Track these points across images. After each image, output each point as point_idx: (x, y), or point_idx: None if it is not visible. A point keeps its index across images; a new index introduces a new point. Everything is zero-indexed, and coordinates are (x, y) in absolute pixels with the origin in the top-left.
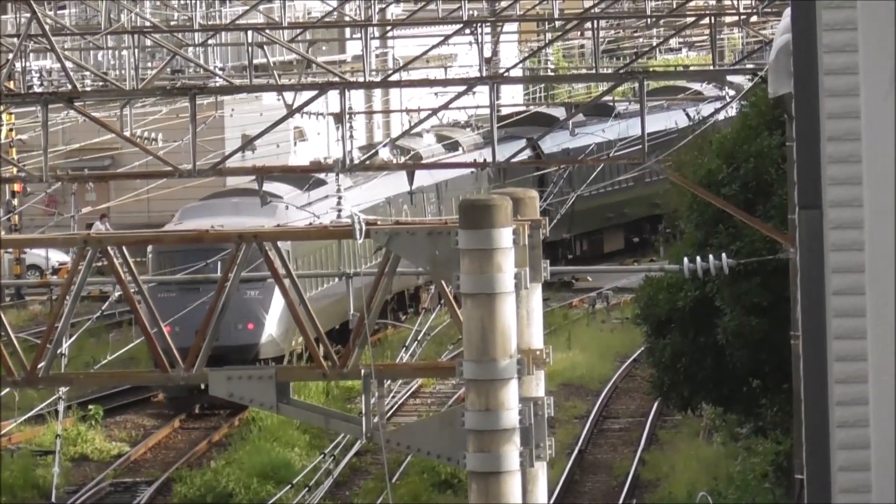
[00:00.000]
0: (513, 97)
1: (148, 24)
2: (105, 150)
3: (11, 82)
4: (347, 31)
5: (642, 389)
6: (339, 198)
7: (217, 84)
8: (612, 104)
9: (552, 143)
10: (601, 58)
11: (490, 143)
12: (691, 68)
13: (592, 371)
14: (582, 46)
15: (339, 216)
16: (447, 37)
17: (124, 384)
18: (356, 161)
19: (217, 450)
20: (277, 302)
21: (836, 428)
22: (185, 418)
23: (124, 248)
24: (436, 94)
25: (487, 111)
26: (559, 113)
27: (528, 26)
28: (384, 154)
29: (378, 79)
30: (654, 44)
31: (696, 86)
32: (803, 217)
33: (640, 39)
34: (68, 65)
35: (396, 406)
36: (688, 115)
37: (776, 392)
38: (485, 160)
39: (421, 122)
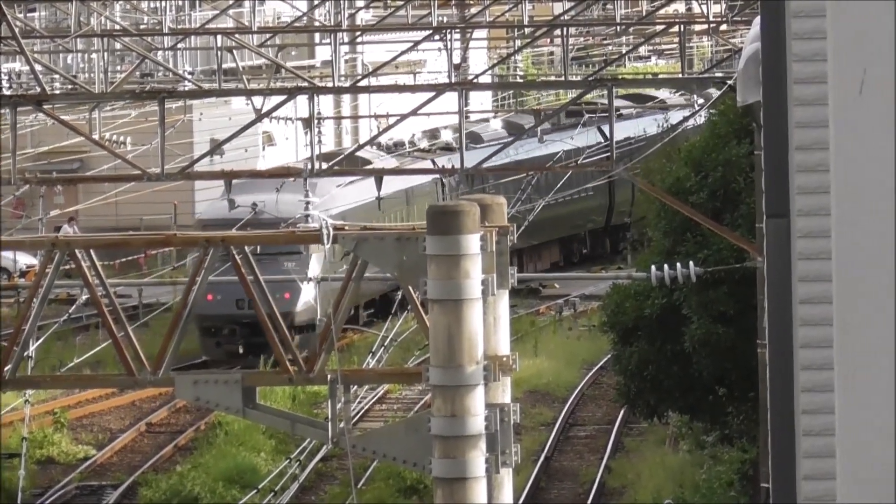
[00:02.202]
0: (481, 104)
1: (117, 27)
2: (74, 153)
3: None
4: (317, 36)
5: (609, 397)
6: (307, 203)
7: (186, 88)
8: (582, 111)
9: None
10: (570, 65)
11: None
12: (660, 76)
13: (559, 378)
14: (551, 53)
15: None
16: (416, 43)
17: (91, 387)
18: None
19: (183, 454)
20: (312, 272)
21: (802, 436)
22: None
23: (92, 251)
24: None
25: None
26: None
27: (498, 33)
28: (446, 135)
29: (347, 84)
30: (624, 51)
31: (664, 94)
32: (771, 226)
33: (610, 47)
34: (37, 67)
35: (363, 411)
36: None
37: (742, 400)
38: (452, 166)
39: (389, 127)
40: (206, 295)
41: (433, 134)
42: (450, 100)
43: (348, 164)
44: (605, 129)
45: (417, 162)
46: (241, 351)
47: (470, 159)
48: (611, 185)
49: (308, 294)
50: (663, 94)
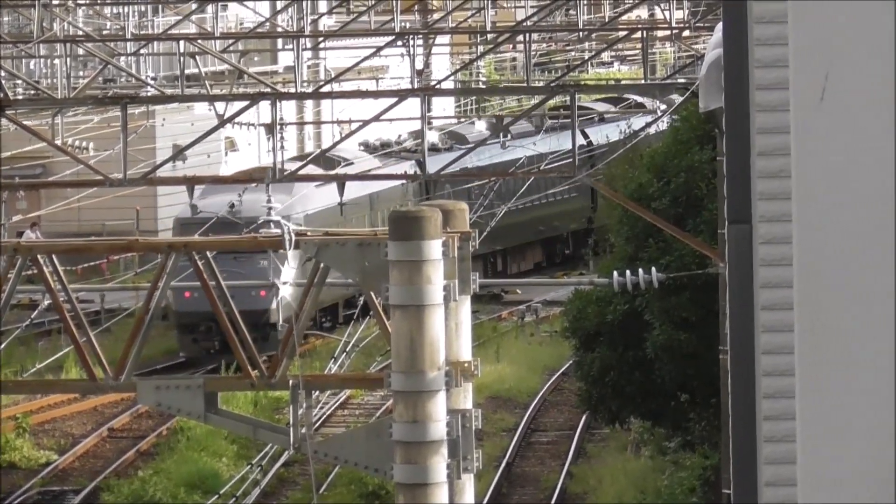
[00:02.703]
0: (444, 109)
1: (80, 33)
2: (36, 158)
3: None
4: (279, 41)
5: (570, 403)
6: (269, 208)
7: (149, 93)
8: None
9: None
10: (533, 71)
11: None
12: (623, 82)
13: (521, 384)
14: (514, 59)
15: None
16: (379, 48)
17: (53, 392)
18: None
19: (145, 459)
20: (287, 271)
21: (764, 443)
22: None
23: (54, 256)
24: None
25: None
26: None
27: (461, 38)
28: (432, 136)
29: (310, 90)
30: (586, 57)
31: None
32: (733, 232)
33: (572, 53)
34: (0, 73)
35: (324, 417)
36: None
37: (704, 406)
38: (415, 172)
39: (352, 133)
40: (183, 293)
41: (418, 135)
42: (412, 105)
43: (326, 164)
44: (588, 131)
45: (402, 162)
46: (217, 347)
47: (487, 154)
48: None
49: (284, 291)
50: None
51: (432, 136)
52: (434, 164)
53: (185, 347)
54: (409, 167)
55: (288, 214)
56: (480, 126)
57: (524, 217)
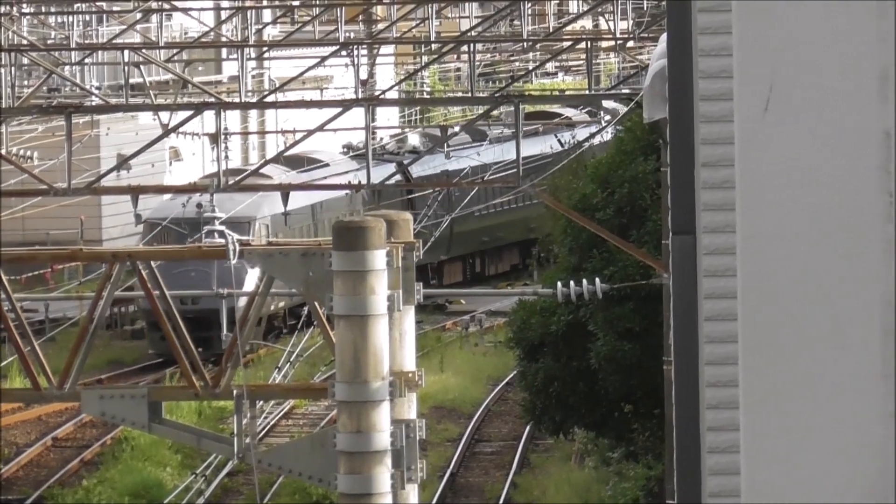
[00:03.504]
0: (388, 119)
1: (25, 42)
2: None
3: None
4: (224, 51)
5: (515, 413)
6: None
7: (93, 103)
8: (487, 127)
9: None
10: (477, 81)
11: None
12: (567, 92)
13: (465, 394)
14: (458, 69)
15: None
16: (324, 58)
17: None
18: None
19: (89, 468)
20: (254, 271)
21: (707, 453)
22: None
23: None
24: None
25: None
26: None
27: (405, 49)
28: (413, 140)
29: (254, 99)
30: (531, 68)
31: (571, 111)
32: (677, 242)
33: (517, 63)
34: None
35: (268, 427)
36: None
37: (648, 417)
38: (359, 182)
39: (297, 142)
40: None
41: (401, 138)
42: (357, 115)
43: (295, 164)
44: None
45: (383, 165)
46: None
47: (433, 163)
48: None
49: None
50: (569, 111)
51: (414, 139)
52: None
53: (154, 344)
54: (393, 169)
55: (253, 216)
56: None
57: (502, 220)
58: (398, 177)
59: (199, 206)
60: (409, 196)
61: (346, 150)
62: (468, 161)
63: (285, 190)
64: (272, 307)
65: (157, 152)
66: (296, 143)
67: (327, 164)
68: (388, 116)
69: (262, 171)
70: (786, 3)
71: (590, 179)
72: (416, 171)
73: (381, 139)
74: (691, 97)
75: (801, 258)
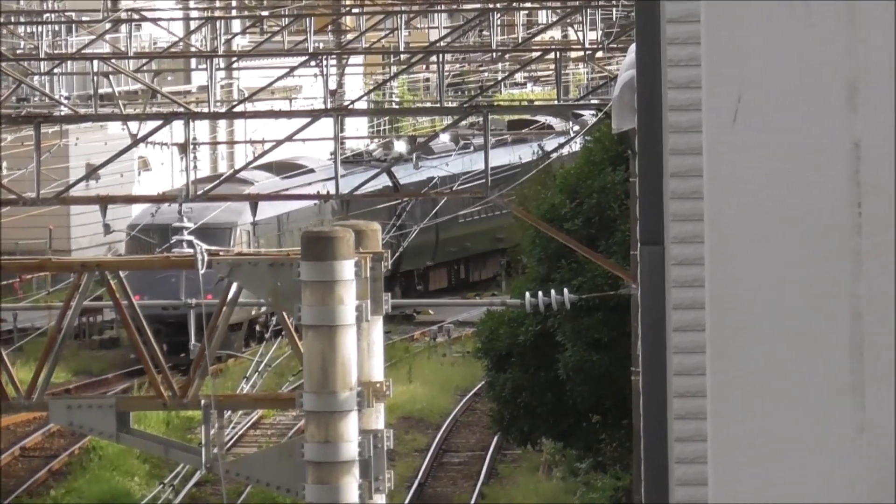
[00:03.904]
0: (357, 129)
1: None
2: None
3: None
4: (193, 61)
5: (483, 423)
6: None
7: (62, 113)
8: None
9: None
10: (446, 91)
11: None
12: (536, 103)
13: (433, 404)
14: (427, 80)
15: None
16: (293, 68)
17: None
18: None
19: (57, 478)
20: None
21: (675, 464)
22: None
23: None
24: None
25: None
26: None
27: (374, 59)
28: (400, 147)
29: (223, 109)
30: (500, 78)
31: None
32: (645, 253)
33: (486, 73)
34: None
35: (237, 437)
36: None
37: (616, 428)
38: (328, 191)
39: (266, 153)
40: (133, 295)
41: (387, 145)
42: (326, 125)
43: (280, 171)
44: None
45: (371, 171)
46: (165, 349)
47: (424, 171)
48: None
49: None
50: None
51: (400, 146)
52: (400, 174)
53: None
54: (382, 177)
55: (234, 222)
56: (444, 138)
57: (486, 226)
58: (388, 182)
59: (180, 210)
60: (393, 203)
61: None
62: (441, 170)
63: (253, 200)
64: (252, 311)
65: (125, 162)
66: (265, 152)
67: (313, 171)
68: (356, 127)
69: (247, 176)
70: (755, 13)
71: (558, 190)
72: (401, 176)
73: (368, 144)
74: (660, 107)
75: (769, 269)
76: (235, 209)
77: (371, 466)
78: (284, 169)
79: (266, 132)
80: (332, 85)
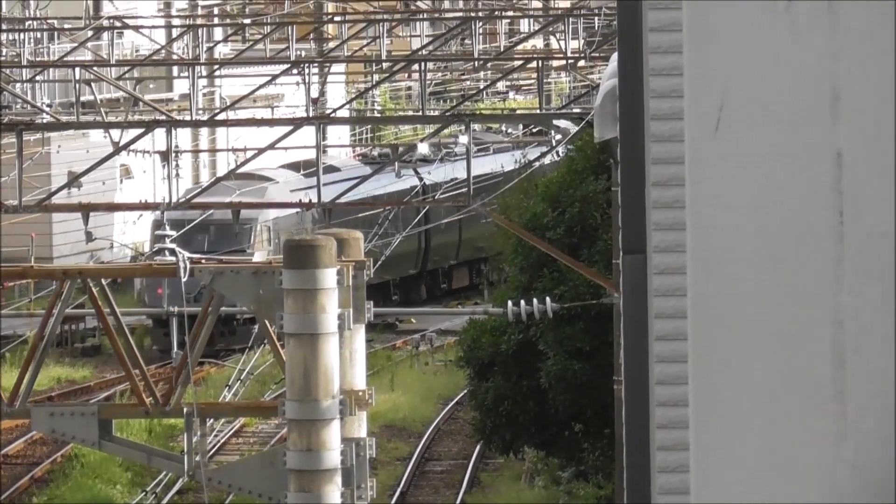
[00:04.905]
0: (339, 138)
1: None
2: None
3: None
4: (175, 69)
5: (465, 432)
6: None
7: (44, 120)
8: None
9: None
10: (428, 100)
11: None
12: (518, 112)
13: (415, 413)
14: (409, 88)
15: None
16: (275, 76)
17: None
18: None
19: (39, 486)
20: (260, 252)
21: (657, 473)
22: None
23: None
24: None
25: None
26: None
27: (356, 67)
28: (423, 148)
29: (205, 117)
30: (482, 86)
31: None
32: (627, 262)
33: (468, 82)
34: None
35: (219, 445)
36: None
37: (598, 436)
38: (310, 200)
39: (248, 160)
40: (156, 288)
41: (410, 147)
42: (308, 133)
43: (310, 171)
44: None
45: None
46: (186, 341)
47: (447, 171)
48: None
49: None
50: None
51: (423, 148)
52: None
53: (158, 341)
54: (425, 175)
55: (255, 217)
56: (463, 140)
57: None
58: (416, 181)
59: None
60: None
61: (359, 157)
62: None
63: (235, 208)
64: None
65: (107, 170)
66: (247, 160)
67: (339, 170)
68: (339, 135)
69: (269, 173)
70: (737, 22)
71: (540, 198)
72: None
73: (398, 147)
74: (642, 116)
75: (751, 278)
76: (265, 193)
77: (353, 475)
78: (310, 166)
79: (248, 140)
80: (314, 93)
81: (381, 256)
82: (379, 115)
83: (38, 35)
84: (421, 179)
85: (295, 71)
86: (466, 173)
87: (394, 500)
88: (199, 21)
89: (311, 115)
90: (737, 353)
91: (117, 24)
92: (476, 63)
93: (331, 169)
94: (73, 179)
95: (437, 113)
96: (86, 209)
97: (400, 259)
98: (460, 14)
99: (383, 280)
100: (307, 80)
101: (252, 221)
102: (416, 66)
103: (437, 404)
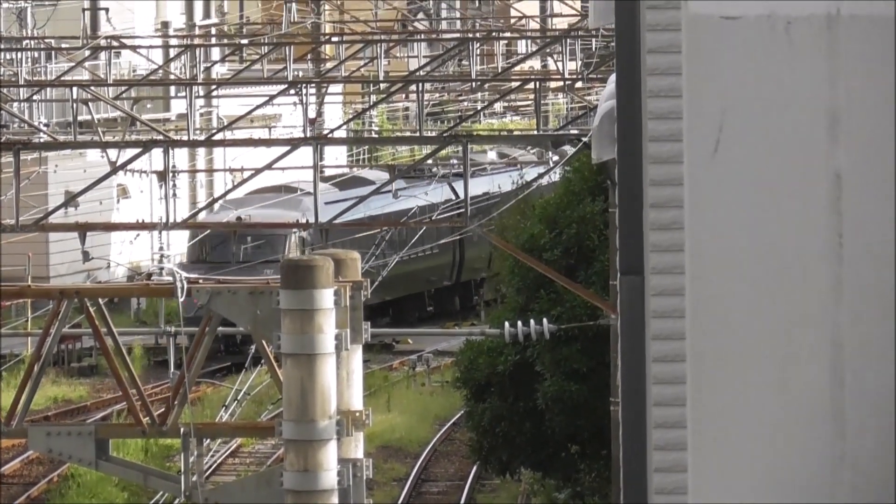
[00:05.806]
0: (336, 158)
1: None
2: None
3: None
4: (172, 89)
5: (461, 453)
6: (162, 256)
7: (41, 139)
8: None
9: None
10: (425, 121)
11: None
12: (515, 133)
13: (412, 433)
14: (406, 109)
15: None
16: (272, 97)
17: None
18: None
19: None
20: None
21: (654, 495)
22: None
23: None
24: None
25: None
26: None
27: (353, 88)
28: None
29: (202, 137)
30: (479, 107)
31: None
32: (625, 283)
33: (465, 103)
34: None
35: (215, 465)
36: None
37: (595, 458)
38: (307, 220)
39: (245, 181)
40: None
41: (446, 160)
42: (305, 154)
43: (353, 184)
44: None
45: (440, 186)
46: (221, 349)
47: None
48: None
49: None
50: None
51: (492, 154)
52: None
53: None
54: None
55: (289, 230)
56: (492, 155)
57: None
58: (451, 195)
59: (238, 218)
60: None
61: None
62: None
63: (231, 229)
64: None
65: (105, 190)
66: (244, 181)
67: (373, 183)
68: (336, 155)
69: (304, 186)
70: (735, 45)
71: (537, 219)
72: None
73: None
74: (640, 138)
75: (749, 299)
76: (292, 216)
77: (350, 495)
78: (348, 183)
79: (245, 160)
80: (312, 113)
81: (404, 272)
82: (376, 136)
83: (36, 54)
84: (456, 195)
85: (292, 91)
86: (465, 194)
87: None
88: (196, 41)
89: (308, 135)
90: (735, 374)
91: (115, 43)
92: (473, 84)
93: (358, 181)
94: (71, 199)
95: (434, 134)
96: (83, 229)
97: (433, 272)
98: (458, 35)
99: (418, 292)
100: (304, 101)
101: (287, 232)
102: (413, 87)
103: (434, 425)
